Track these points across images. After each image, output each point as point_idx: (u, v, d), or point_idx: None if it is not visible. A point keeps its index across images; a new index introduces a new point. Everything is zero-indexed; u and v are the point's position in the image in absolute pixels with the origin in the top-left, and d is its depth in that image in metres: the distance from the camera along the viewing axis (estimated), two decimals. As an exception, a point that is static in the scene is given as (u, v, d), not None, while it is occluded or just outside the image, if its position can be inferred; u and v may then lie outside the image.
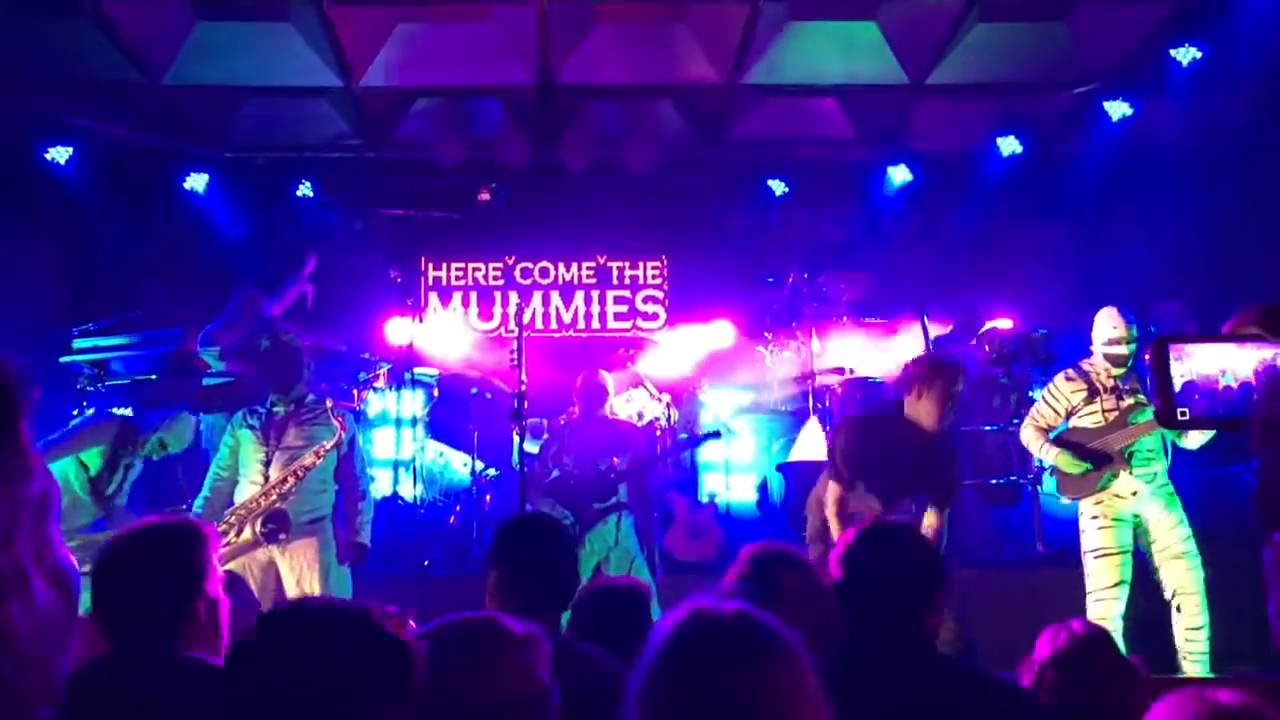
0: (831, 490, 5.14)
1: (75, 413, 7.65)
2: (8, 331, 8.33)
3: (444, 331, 9.13)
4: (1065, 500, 5.76)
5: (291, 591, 5.40)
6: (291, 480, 5.42)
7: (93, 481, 5.50)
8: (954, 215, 9.33)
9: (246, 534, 5.36)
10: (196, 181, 9.16)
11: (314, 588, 5.37)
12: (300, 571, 5.42)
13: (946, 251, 9.16)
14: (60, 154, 8.59)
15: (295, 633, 1.62)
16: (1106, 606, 5.35)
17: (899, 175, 9.41)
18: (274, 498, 5.40)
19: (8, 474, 0.80)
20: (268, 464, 5.51)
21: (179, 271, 8.67)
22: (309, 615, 1.67)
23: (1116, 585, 5.38)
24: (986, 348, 7.90)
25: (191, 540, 2.41)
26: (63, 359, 8.13)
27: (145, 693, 2.06)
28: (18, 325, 8.37)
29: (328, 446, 5.52)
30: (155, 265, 8.76)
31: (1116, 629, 5.25)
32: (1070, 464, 5.54)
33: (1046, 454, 5.65)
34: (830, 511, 5.12)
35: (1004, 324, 8.06)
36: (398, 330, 8.61)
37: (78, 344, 8.18)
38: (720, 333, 8.91)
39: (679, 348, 9.01)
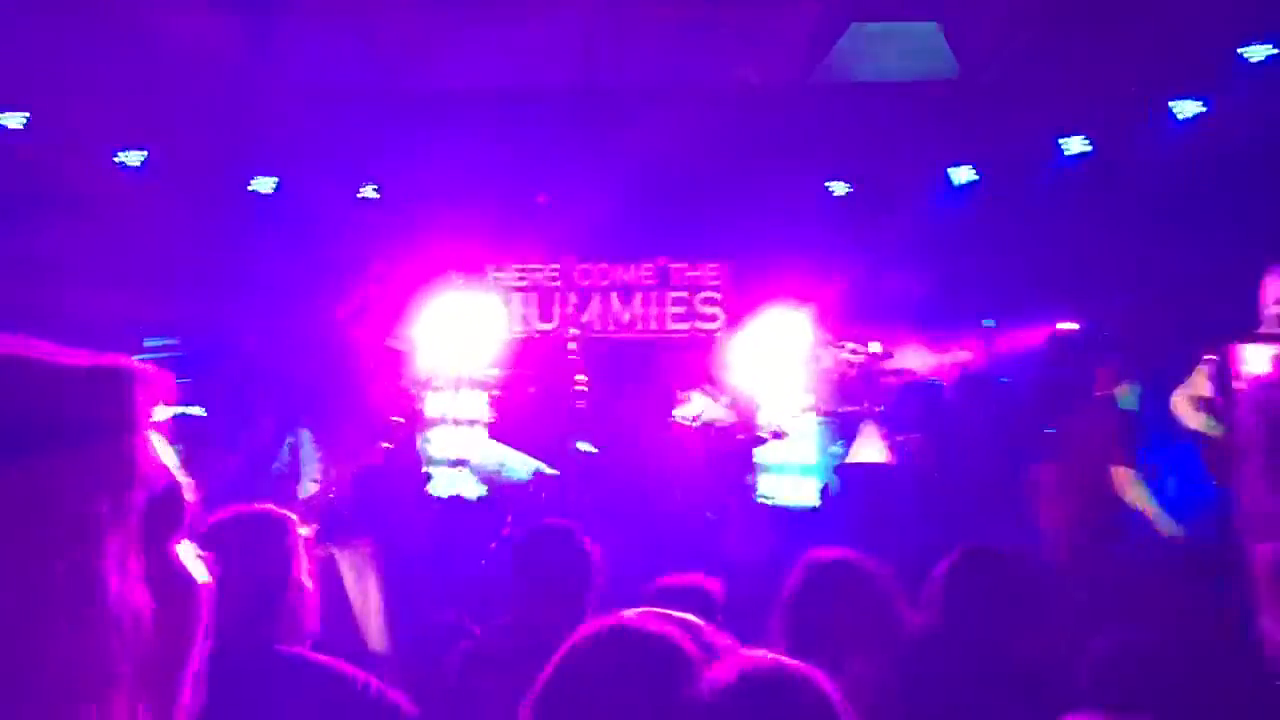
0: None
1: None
2: (83, 332, 8.53)
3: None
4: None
5: (351, 590, 5.47)
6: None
7: None
8: (1019, 217, 9.21)
9: (304, 531, 5.43)
10: (263, 184, 9.33)
11: (370, 587, 5.44)
12: (359, 570, 5.49)
13: (1011, 254, 9.03)
14: (134, 158, 8.82)
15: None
16: None
17: (961, 175, 9.30)
18: (333, 497, 5.48)
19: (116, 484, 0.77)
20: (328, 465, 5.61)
21: (243, 276, 8.80)
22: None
23: None
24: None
25: (279, 528, 2.45)
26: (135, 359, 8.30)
27: (242, 685, 2.08)
28: (91, 327, 8.58)
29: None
30: (218, 270, 8.90)
31: None
32: None
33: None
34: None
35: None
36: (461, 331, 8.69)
37: (149, 343, 8.38)
38: (780, 334, 8.86)
39: (738, 350, 8.98)
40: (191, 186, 9.01)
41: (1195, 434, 5.50)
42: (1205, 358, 5.54)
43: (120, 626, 0.76)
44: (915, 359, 8.50)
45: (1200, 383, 5.51)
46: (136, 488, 0.81)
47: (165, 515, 0.85)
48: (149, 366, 0.90)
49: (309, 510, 5.48)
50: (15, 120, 8.19)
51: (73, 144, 8.56)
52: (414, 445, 5.84)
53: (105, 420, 0.81)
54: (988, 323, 8.86)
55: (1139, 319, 7.52)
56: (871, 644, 2.54)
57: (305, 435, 5.75)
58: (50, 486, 0.74)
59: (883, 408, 8.06)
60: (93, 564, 0.74)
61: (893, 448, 7.74)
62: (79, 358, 0.85)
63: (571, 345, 7.02)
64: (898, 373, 8.34)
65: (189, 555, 0.88)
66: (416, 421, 7.96)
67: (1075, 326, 7.94)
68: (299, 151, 9.23)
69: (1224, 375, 5.29)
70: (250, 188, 9.35)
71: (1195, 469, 5.58)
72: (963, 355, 8.60)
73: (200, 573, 0.89)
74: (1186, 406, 5.58)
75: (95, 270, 8.55)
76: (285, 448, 5.79)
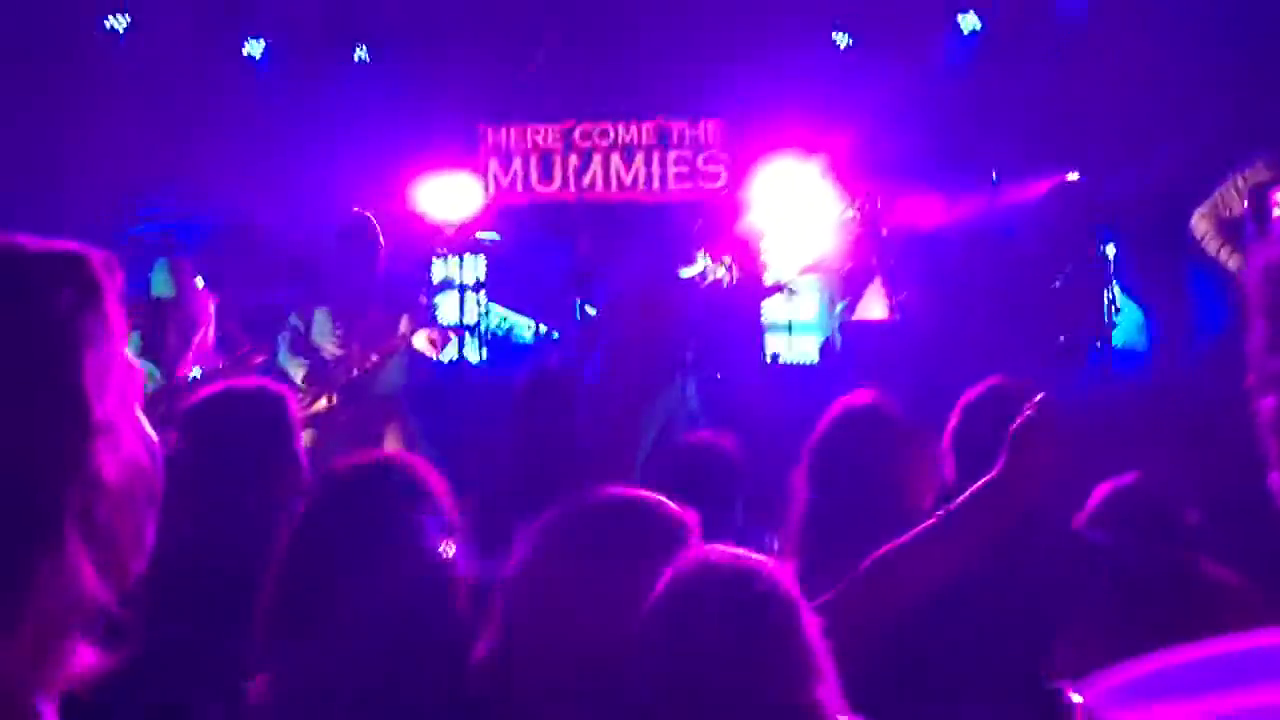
0: None
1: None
2: (80, 205, 8.50)
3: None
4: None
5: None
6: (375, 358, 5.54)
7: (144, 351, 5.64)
8: (1028, 68, 9.00)
9: (322, 404, 5.51)
10: (254, 48, 9.14)
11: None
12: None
13: (1019, 107, 8.86)
14: (119, 23, 8.63)
15: None
16: None
17: (968, 23, 9.07)
18: (355, 372, 5.52)
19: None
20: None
21: (237, 141, 8.68)
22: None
23: None
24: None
25: (278, 402, 2.47)
26: (132, 230, 8.29)
27: (237, 561, 2.11)
28: (89, 198, 8.53)
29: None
30: (212, 135, 8.77)
31: None
32: None
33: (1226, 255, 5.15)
34: None
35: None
36: (468, 194, 8.63)
37: (146, 215, 8.34)
38: (783, 190, 8.76)
39: (740, 208, 8.91)
40: (183, 53, 8.83)
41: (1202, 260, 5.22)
42: (1243, 174, 5.13)
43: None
44: (920, 214, 8.43)
45: (1232, 200, 5.15)
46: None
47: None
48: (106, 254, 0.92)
49: (326, 381, 5.52)
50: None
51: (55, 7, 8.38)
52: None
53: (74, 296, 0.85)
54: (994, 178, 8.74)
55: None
56: (905, 490, 2.55)
57: (320, 313, 5.71)
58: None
59: (887, 264, 8.04)
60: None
61: (896, 305, 7.74)
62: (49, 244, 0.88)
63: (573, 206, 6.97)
64: (902, 228, 8.28)
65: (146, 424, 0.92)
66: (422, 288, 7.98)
67: (1076, 177, 7.84)
68: (290, 15, 9.02)
69: (1261, 199, 4.82)
70: (244, 52, 9.16)
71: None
72: (968, 210, 8.52)
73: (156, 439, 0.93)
74: (1208, 225, 5.24)
75: (92, 140, 8.46)
76: (291, 325, 5.75)
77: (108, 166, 8.66)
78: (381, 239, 5.75)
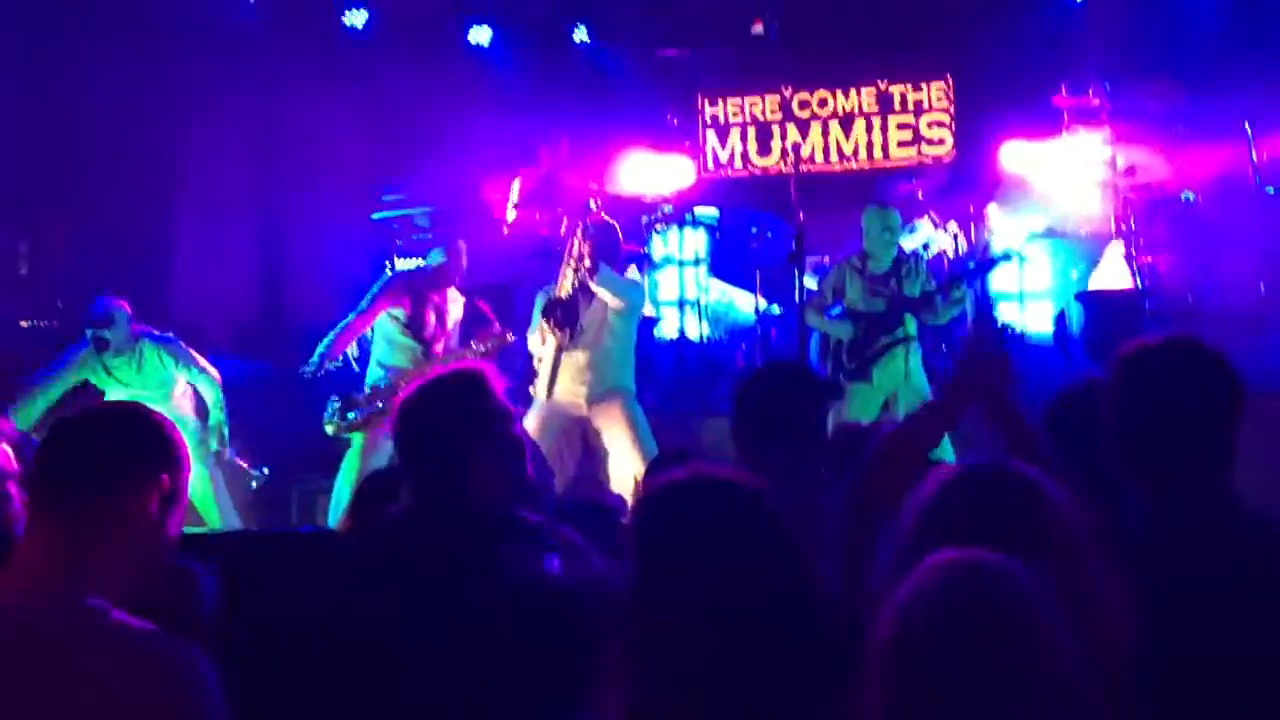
0: None
1: (386, 265, 8.28)
2: (323, 192, 9.05)
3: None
4: None
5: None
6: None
7: (408, 326, 5.98)
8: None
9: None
10: (480, 35, 9.45)
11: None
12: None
13: (1275, 51, 8.13)
14: (357, 18, 9.11)
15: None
16: None
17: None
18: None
19: None
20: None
21: (467, 127, 9.01)
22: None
23: None
24: None
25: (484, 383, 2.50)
26: (374, 216, 8.76)
27: (445, 541, 2.19)
28: (331, 186, 9.07)
29: None
30: (444, 122, 9.14)
31: None
32: None
33: None
34: None
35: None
36: (679, 170, 8.71)
37: (386, 199, 8.80)
38: (1009, 153, 8.38)
39: (965, 173, 8.59)
40: (411, 41, 9.23)
41: None
42: None
43: None
44: (1164, 170, 7.88)
45: None
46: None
47: None
48: None
49: None
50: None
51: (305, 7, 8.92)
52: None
53: None
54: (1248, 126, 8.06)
55: None
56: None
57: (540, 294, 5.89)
58: None
59: (1127, 226, 7.58)
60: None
61: (1139, 271, 7.29)
62: None
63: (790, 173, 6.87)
64: (1144, 187, 7.78)
65: None
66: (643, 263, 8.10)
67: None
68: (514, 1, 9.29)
69: None
70: (470, 40, 9.48)
71: None
72: (1219, 165, 7.91)
73: None
74: None
75: (333, 129, 8.98)
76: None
77: (353, 154, 9.18)
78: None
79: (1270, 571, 1.92)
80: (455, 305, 6.15)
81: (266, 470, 6.40)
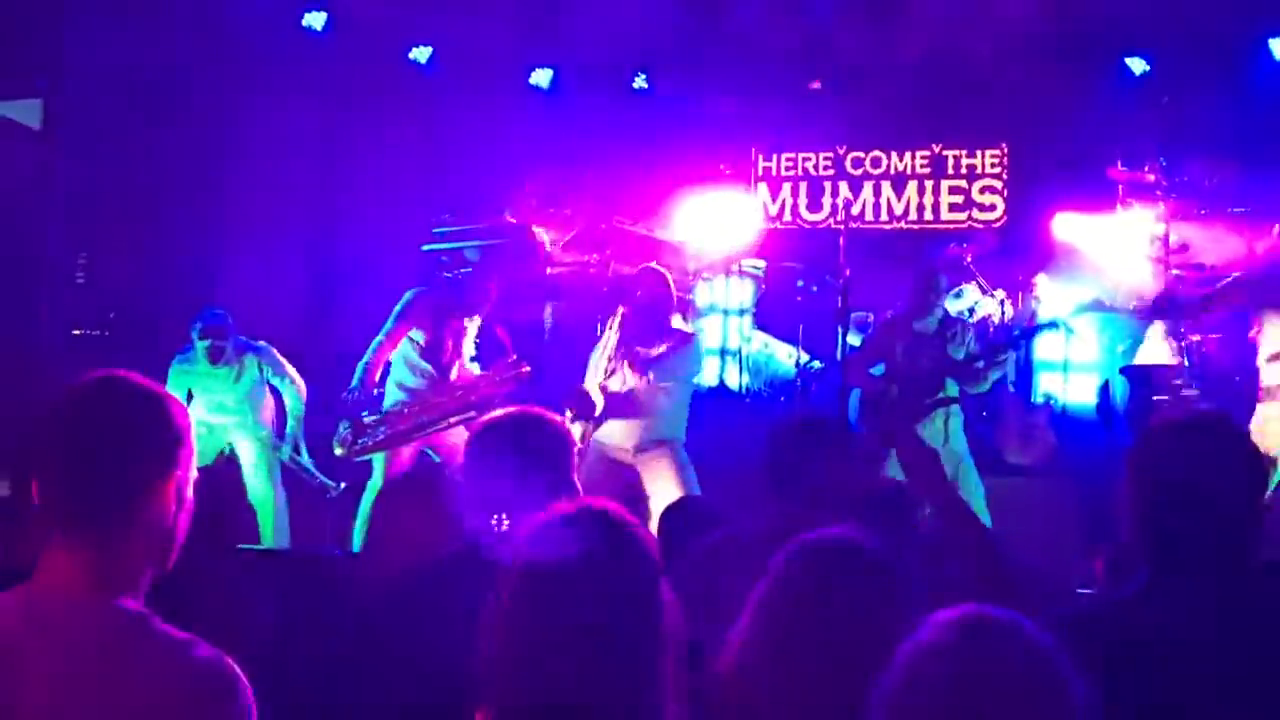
0: None
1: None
2: (377, 221, 9.18)
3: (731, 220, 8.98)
4: None
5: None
6: None
7: (426, 350, 6.00)
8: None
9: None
10: (541, 77, 9.60)
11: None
12: None
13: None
14: (421, 54, 9.28)
15: None
16: None
17: (1280, 49, 8.37)
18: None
19: None
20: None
21: (521, 167, 9.13)
22: None
23: None
24: None
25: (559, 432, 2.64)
26: (424, 247, 8.87)
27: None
28: (385, 216, 9.21)
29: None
30: (500, 160, 9.26)
31: None
32: None
33: None
34: None
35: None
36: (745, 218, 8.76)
37: (438, 231, 8.91)
38: (1062, 223, 8.36)
39: (1015, 240, 8.57)
40: (473, 80, 9.38)
41: None
42: None
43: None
44: (1217, 250, 7.83)
45: None
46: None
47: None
48: None
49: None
50: (318, 20, 8.75)
51: (371, 41, 9.10)
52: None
53: None
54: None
55: None
56: None
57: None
58: None
59: (1175, 304, 7.52)
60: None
61: (1186, 349, 7.23)
62: None
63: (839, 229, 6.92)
64: (1196, 265, 7.72)
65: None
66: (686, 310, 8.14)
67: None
68: (575, 42, 9.41)
69: None
70: (530, 82, 9.63)
71: None
72: (1271, 242, 7.85)
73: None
74: None
75: (390, 160, 9.12)
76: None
77: (408, 185, 9.32)
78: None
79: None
80: (471, 326, 6.15)
81: (343, 485, 6.39)
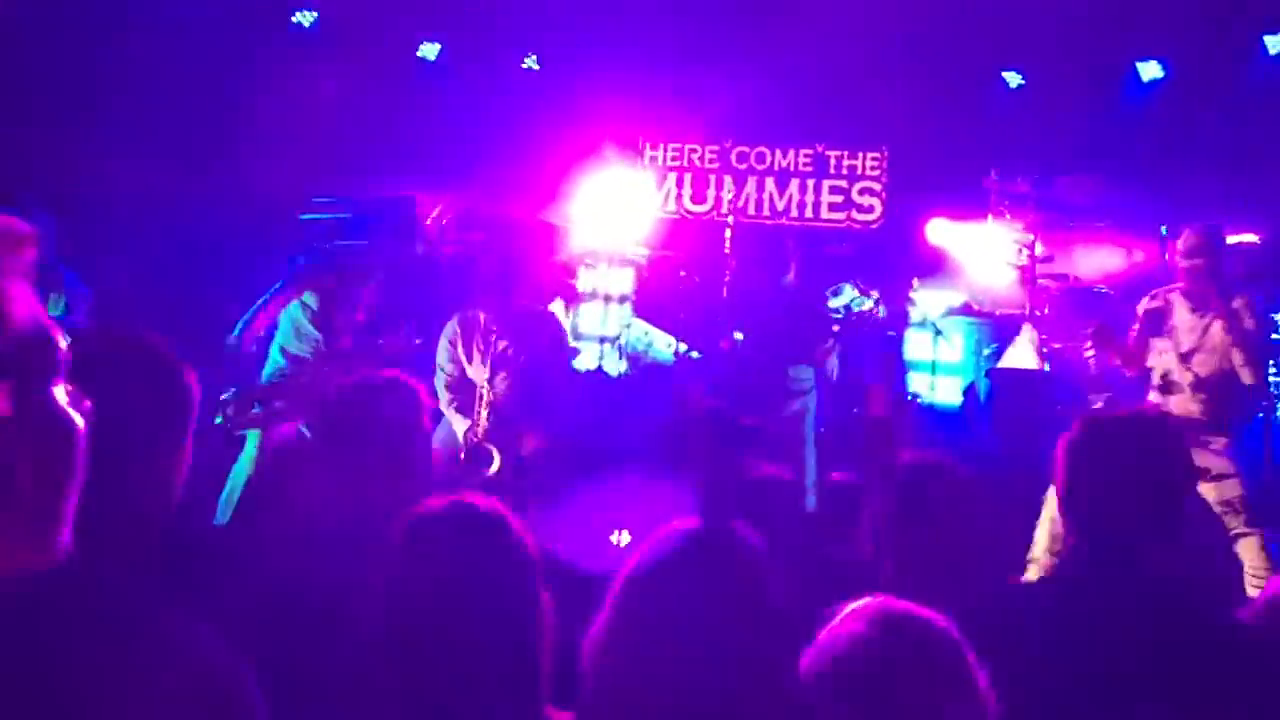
0: None
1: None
2: (256, 185, 8.90)
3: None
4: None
5: None
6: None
7: (317, 316, 5.86)
8: (1209, 120, 8.61)
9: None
10: (429, 51, 9.44)
11: None
12: None
13: (1196, 159, 8.49)
14: (305, 18, 9.03)
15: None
16: None
17: (1149, 72, 8.76)
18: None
19: None
20: None
21: (407, 141, 8.96)
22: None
23: None
24: None
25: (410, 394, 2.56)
26: (303, 216, 8.63)
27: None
28: (264, 180, 8.92)
29: None
30: (384, 133, 9.07)
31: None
32: None
33: None
34: None
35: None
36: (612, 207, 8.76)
37: (318, 200, 8.67)
38: (935, 229, 8.61)
39: (892, 242, 8.78)
40: (359, 50, 9.17)
41: None
42: None
43: None
44: (1081, 262, 8.17)
45: None
46: None
47: (39, 359, 0.96)
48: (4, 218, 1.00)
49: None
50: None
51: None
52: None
53: None
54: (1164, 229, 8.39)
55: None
56: (954, 553, 2.51)
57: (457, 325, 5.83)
58: None
59: (1040, 311, 7.80)
60: None
61: (1048, 355, 7.51)
62: None
63: (728, 230, 7.01)
64: (1061, 276, 8.03)
65: (64, 398, 0.99)
66: (569, 296, 8.11)
67: (1255, 239, 7.45)
68: (464, 19, 9.28)
69: None
70: (418, 54, 9.46)
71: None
72: (1134, 260, 8.22)
73: (77, 416, 1.00)
74: None
75: (266, 130, 8.85)
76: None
77: (288, 153, 9.05)
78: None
79: (1178, 651, 2.01)
80: (363, 296, 6.03)
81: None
